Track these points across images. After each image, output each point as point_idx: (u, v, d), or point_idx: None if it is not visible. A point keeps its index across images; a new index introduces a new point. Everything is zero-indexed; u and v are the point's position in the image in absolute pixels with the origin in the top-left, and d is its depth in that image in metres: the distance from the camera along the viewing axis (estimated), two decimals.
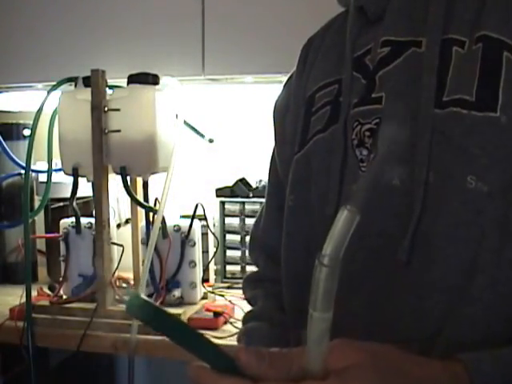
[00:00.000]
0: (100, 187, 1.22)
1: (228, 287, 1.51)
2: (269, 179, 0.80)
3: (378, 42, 0.60)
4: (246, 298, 0.83)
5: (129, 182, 1.23)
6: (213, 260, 1.49)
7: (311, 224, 0.63)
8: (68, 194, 1.28)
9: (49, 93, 1.26)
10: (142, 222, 1.29)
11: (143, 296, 0.44)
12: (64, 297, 1.30)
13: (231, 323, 1.22)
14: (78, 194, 1.29)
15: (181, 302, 1.25)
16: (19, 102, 1.67)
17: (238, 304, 1.32)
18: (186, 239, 1.28)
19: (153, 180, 1.27)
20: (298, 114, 0.69)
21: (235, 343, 1.12)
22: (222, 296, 1.40)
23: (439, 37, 0.56)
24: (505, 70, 0.52)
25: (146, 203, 1.25)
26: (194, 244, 1.29)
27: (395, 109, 0.57)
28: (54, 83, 1.27)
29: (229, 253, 1.57)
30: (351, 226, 0.38)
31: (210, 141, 1.56)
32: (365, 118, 0.59)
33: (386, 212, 0.56)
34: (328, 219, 0.59)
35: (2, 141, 1.41)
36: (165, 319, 0.43)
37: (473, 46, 0.54)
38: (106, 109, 1.21)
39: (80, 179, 1.27)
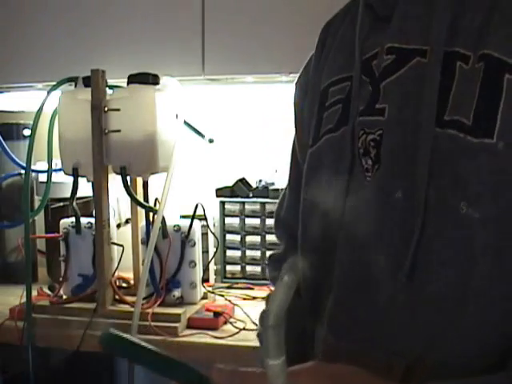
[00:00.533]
0: (100, 187, 1.22)
1: (228, 287, 1.51)
2: (290, 162, 0.80)
3: (384, 48, 0.59)
4: (268, 278, 0.84)
5: (129, 182, 1.23)
6: (213, 260, 1.49)
7: (324, 216, 0.63)
8: (68, 194, 1.28)
9: (49, 93, 1.26)
10: (141, 222, 1.29)
11: (115, 331, 0.47)
12: (64, 297, 1.30)
13: (231, 323, 1.23)
14: (78, 194, 1.29)
15: (181, 302, 1.25)
16: (19, 102, 1.67)
17: (237, 304, 1.32)
18: (186, 239, 1.28)
19: (153, 180, 1.27)
20: (314, 103, 0.69)
21: (235, 343, 1.13)
22: (222, 296, 1.40)
23: (442, 49, 0.55)
24: (505, 94, 0.51)
25: (146, 203, 1.25)
26: (194, 244, 1.29)
27: (397, 123, 0.57)
28: (54, 83, 1.27)
29: (229, 253, 1.57)
30: (290, 293, 0.45)
31: (210, 141, 1.57)
32: (369, 128, 0.59)
33: (390, 224, 0.56)
34: (334, 226, 0.60)
35: (2, 141, 1.41)
36: (138, 349, 0.46)
37: (475, 64, 0.53)
38: (106, 109, 1.21)
39: (80, 179, 1.27)
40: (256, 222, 1.54)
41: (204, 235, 1.42)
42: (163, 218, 1.24)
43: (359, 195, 0.59)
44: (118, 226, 1.49)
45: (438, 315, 0.53)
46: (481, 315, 0.51)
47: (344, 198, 0.60)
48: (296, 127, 0.77)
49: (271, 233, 1.50)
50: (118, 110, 1.20)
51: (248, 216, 1.54)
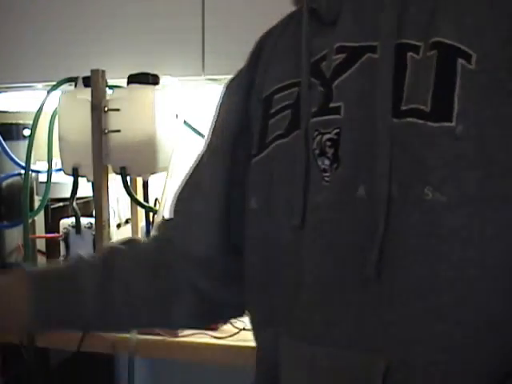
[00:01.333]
0: (100, 187, 1.22)
1: None
2: (195, 163, 0.78)
3: (333, 48, 0.59)
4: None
5: (129, 182, 1.23)
6: None
7: (276, 228, 0.63)
8: (68, 194, 1.29)
9: (49, 93, 1.26)
10: (141, 222, 1.29)
11: None
12: None
13: (231, 323, 1.22)
14: (78, 194, 1.29)
15: None
16: (19, 102, 1.67)
17: None
18: None
19: (153, 180, 1.27)
20: (241, 113, 0.69)
21: (235, 343, 1.13)
22: None
23: (393, 42, 0.55)
24: (460, 78, 0.51)
25: (146, 203, 1.25)
26: None
27: (354, 120, 0.56)
28: (54, 83, 1.27)
29: None
30: None
31: None
32: (325, 128, 0.58)
33: (355, 223, 0.55)
34: (294, 230, 0.59)
35: (2, 141, 1.41)
36: None
37: (427, 53, 0.53)
38: (106, 109, 1.21)
39: (80, 179, 1.27)
40: None
41: None
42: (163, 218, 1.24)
43: (319, 197, 0.58)
44: (118, 226, 1.49)
45: (411, 308, 0.52)
46: (456, 304, 0.51)
47: (302, 202, 0.59)
48: (214, 130, 0.75)
49: None
50: (118, 110, 1.21)
51: None
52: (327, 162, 0.57)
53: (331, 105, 0.58)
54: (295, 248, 0.60)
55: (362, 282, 0.54)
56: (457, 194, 0.51)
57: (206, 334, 1.17)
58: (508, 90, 0.51)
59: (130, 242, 0.79)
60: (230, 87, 0.75)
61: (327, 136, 0.57)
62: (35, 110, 1.26)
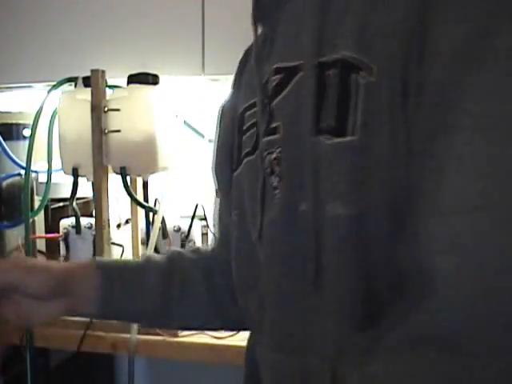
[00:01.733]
0: (100, 187, 1.22)
1: None
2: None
3: (272, 70, 0.60)
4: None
5: (129, 182, 1.23)
6: None
7: (246, 241, 0.65)
8: (68, 194, 1.29)
9: (49, 93, 1.26)
10: (141, 222, 1.29)
11: None
12: None
13: None
14: (78, 194, 1.29)
15: None
16: (19, 102, 1.67)
17: None
18: (185, 239, 1.28)
19: (153, 180, 1.27)
20: (228, 127, 0.71)
21: (235, 343, 1.13)
22: None
23: (313, 61, 0.55)
24: (360, 91, 0.52)
25: (146, 203, 1.25)
26: (194, 244, 1.29)
27: (289, 139, 0.58)
28: (54, 83, 1.27)
29: None
30: None
31: (210, 141, 1.56)
32: (271, 148, 0.60)
33: (300, 237, 0.57)
34: (256, 244, 0.62)
35: (2, 141, 1.41)
36: None
37: (333, 69, 0.54)
38: (105, 109, 1.21)
39: (80, 179, 1.27)
40: None
41: (204, 235, 1.42)
42: (163, 218, 1.24)
43: (271, 213, 0.60)
44: (118, 226, 1.49)
45: (340, 317, 0.54)
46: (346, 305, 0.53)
47: (260, 218, 0.61)
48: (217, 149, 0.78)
49: None
50: (118, 110, 1.21)
51: None
52: (277, 179, 0.59)
53: (272, 125, 0.60)
54: (258, 260, 0.63)
55: (307, 292, 0.57)
56: (363, 206, 0.52)
57: (206, 334, 1.17)
58: (406, 101, 0.51)
59: (193, 249, 0.85)
60: (223, 109, 0.77)
61: (273, 155, 0.59)
62: (35, 110, 1.26)
